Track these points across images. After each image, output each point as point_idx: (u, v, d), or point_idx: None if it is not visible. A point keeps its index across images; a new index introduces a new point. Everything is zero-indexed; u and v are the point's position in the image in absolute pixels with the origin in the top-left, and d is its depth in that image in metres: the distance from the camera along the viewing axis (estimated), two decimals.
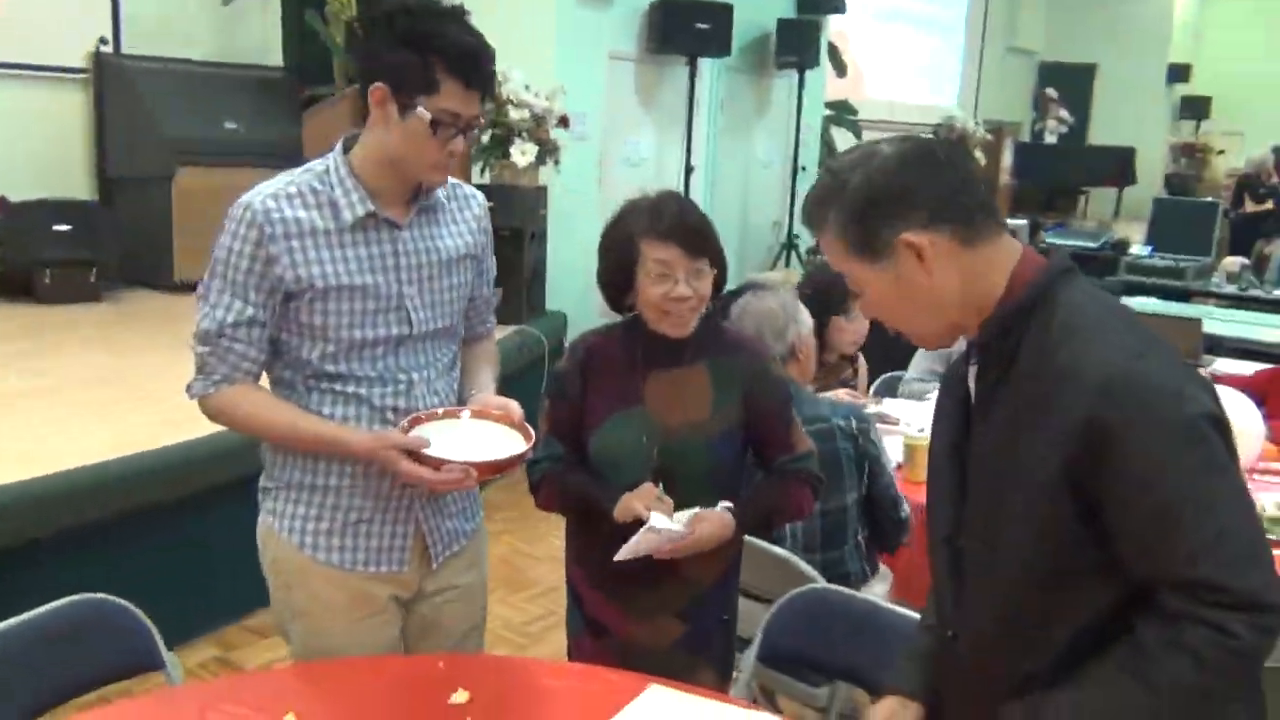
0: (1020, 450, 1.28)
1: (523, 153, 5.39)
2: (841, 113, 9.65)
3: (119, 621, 1.94)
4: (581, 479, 2.05)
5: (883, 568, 2.81)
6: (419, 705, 1.68)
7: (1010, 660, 1.35)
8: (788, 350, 2.70)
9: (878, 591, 2.73)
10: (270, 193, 1.79)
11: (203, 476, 3.33)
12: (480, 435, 1.86)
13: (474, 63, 1.75)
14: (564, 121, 5.62)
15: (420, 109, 1.71)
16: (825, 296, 3.32)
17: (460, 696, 1.70)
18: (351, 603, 1.89)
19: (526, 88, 5.43)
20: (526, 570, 4.28)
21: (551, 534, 4.49)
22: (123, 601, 1.96)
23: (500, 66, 5.89)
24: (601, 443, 2.02)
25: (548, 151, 5.51)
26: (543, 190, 5.65)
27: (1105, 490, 1.22)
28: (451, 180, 1.96)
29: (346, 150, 1.85)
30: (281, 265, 1.78)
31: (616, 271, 2.01)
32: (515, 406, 1.90)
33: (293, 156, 6.05)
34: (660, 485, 1.97)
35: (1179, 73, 15.73)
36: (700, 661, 2.09)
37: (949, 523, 1.42)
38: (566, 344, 6.31)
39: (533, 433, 1.85)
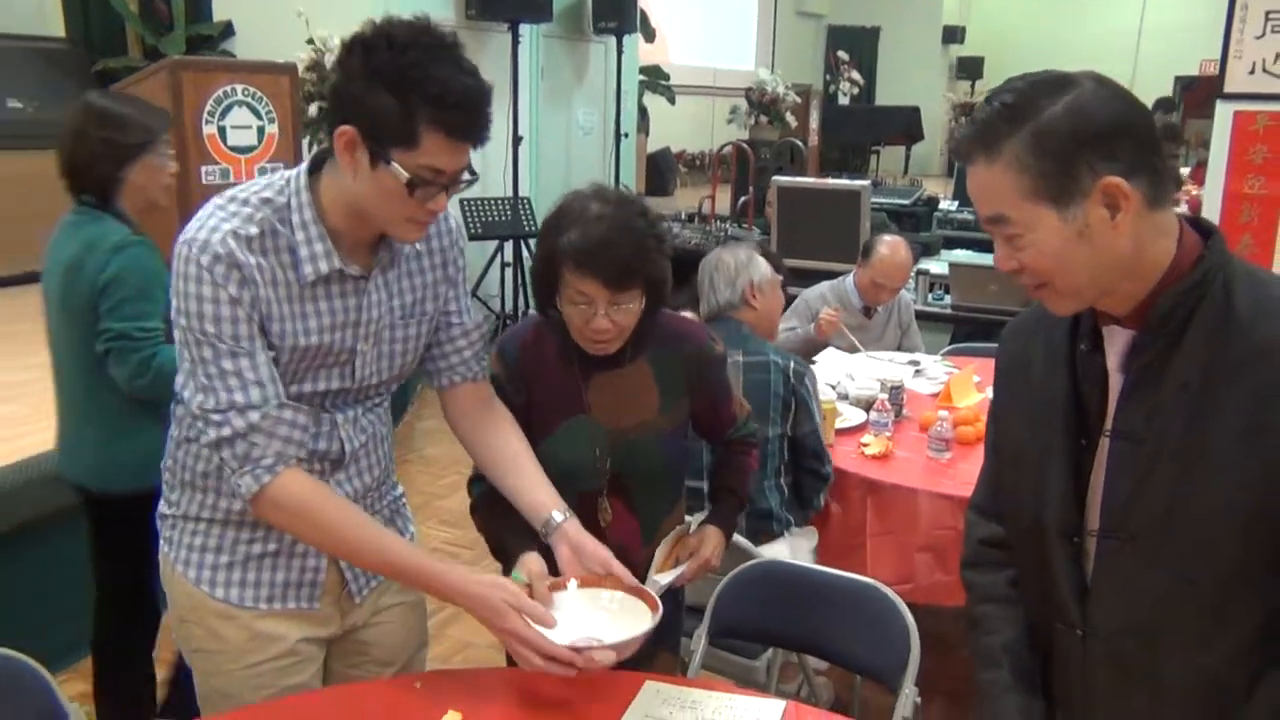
0: (1213, 435, 1.18)
1: None
2: (654, 78, 9.67)
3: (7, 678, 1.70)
4: (506, 533, 1.85)
5: (809, 526, 2.84)
6: None
7: (1174, 655, 1.26)
8: (739, 297, 2.80)
9: (803, 548, 2.76)
10: (230, 230, 1.51)
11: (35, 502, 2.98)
12: (593, 606, 1.66)
13: (466, 112, 1.45)
14: None
15: (395, 165, 1.44)
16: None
17: (453, 719, 1.58)
18: (251, 644, 1.68)
19: None
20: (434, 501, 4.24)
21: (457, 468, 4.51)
22: (11, 653, 1.72)
23: (320, 34, 5.55)
24: (550, 456, 1.87)
25: None
26: None
27: None
28: None
29: (313, 171, 1.56)
30: (246, 308, 1.51)
31: (541, 283, 1.87)
32: (618, 566, 1.69)
33: None
34: (608, 493, 1.92)
35: (954, 34, 16.63)
36: (660, 650, 2.03)
37: (1064, 514, 1.32)
38: None
39: (658, 602, 1.63)
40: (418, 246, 1.69)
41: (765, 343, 2.78)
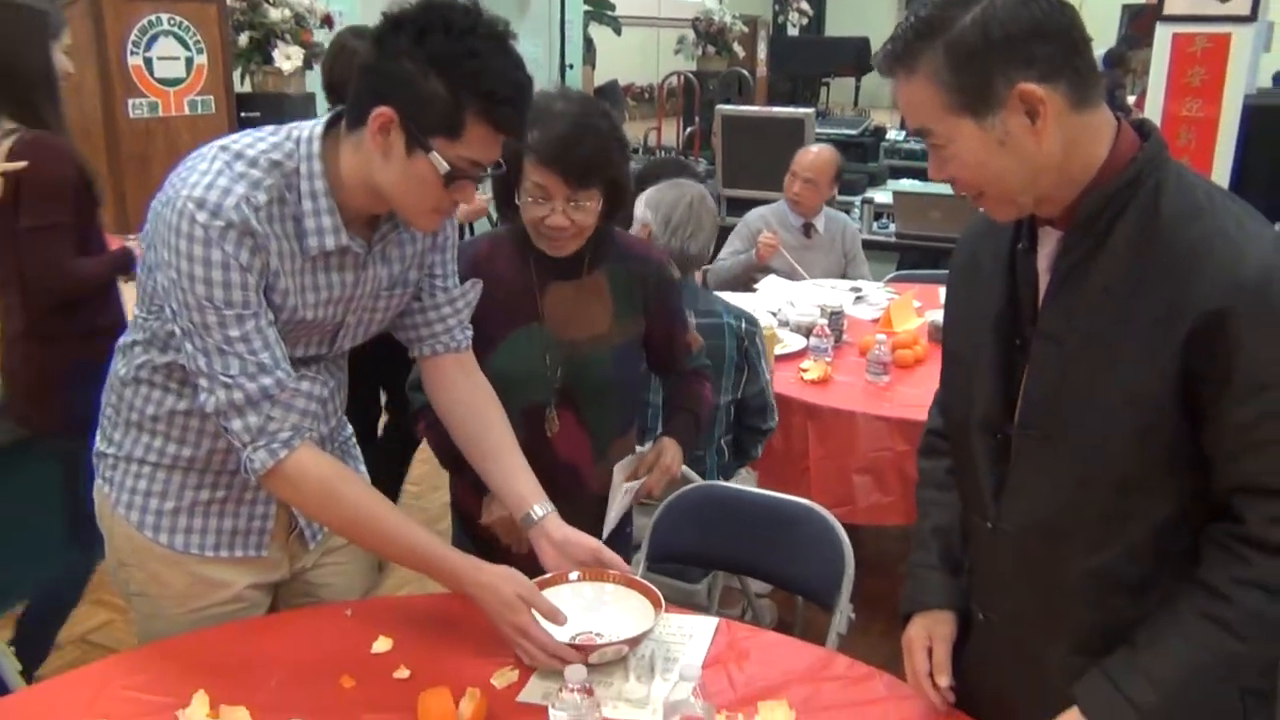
0: (1127, 337, 1.19)
1: (287, 57, 4.97)
2: (599, 8, 9.49)
3: None
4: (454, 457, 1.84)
5: (743, 470, 2.84)
6: (342, 660, 1.53)
7: (1072, 555, 1.29)
8: (708, 253, 2.70)
9: None
10: (242, 195, 1.41)
11: None
12: (595, 599, 1.64)
13: (516, 108, 1.40)
14: (328, 21, 5.22)
15: (435, 154, 1.38)
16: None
17: (383, 645, 1.57)
18: (194, 589, 1.65)
19: None
20: None
21: None
22: None
23: None
24: (500, 364, 1.86)
25: (314, 55, 5.11)
26: (311, 98, 5.23)
27: (1219, 383, 1.15)
28: None
29: (326, 133, 1.47)
30: (255, 275, 1.42)
31: (500, 182, 1.84)
32: (609, 554, 1.66)
33: None
34: (558, 405, 1.92)
35: None
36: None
37: (991, 409, 1.33)
38: None
39: (660, 596, 1.61)
40: None
41: (715, 298, 2.69)
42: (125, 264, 2.51)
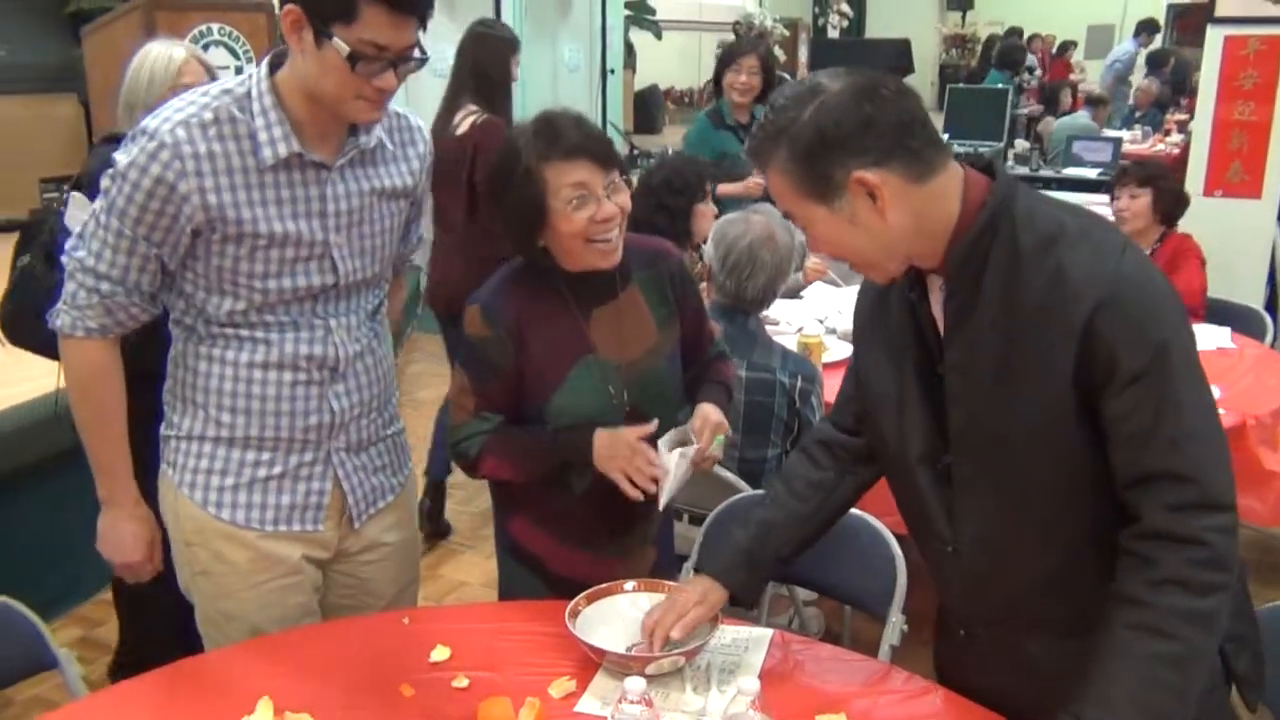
0: (1019, 362, 1.29)
1: None
2: (640, 13, 9.51)
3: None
4: (534, 438, 1.80)
5: None
6: (402, 668, 1.55)
7: (1026, 563, 1.40)
8: (775, 293, 2.61)
9: None
10: (181, 120, 1.55)
11: (37, 444, 2.98)
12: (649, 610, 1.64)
13: None
14: None
15: (336, 39, 1.48)
16: (685, 183, 3.26)
17: (441, 653, 1.59)
18: (256, 564, 1.73)
19: None
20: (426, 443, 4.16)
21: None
22: (3, 599, 1.74)
23: None
24: (565, 404, 1.80)
25: None
26: None
27: (1102, 387, 1.24)
28: (396, 110, 1.74)
29: (274, 70, 1.60)
30: (191, 206, 1.56)
31: (524, 211, 1.75)
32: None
33: (72, 82, 5.46)
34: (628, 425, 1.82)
35: None
36: (674, 577, 2.03)
37: (926, 444, 1.42)
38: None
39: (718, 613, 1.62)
40: (391, 146, 1.73)
41: (772, 349, 2.57)
42: None
